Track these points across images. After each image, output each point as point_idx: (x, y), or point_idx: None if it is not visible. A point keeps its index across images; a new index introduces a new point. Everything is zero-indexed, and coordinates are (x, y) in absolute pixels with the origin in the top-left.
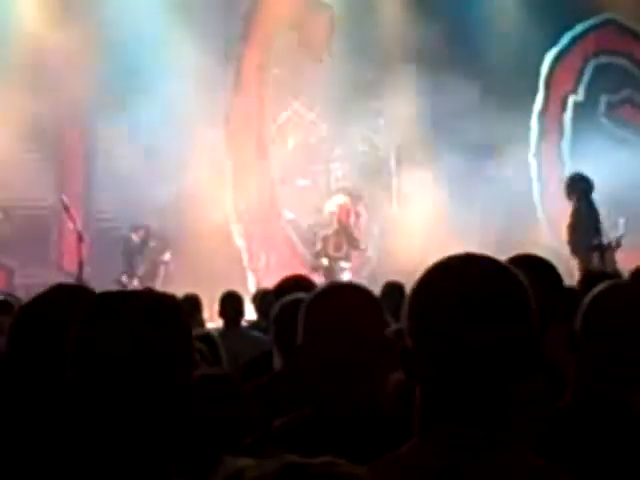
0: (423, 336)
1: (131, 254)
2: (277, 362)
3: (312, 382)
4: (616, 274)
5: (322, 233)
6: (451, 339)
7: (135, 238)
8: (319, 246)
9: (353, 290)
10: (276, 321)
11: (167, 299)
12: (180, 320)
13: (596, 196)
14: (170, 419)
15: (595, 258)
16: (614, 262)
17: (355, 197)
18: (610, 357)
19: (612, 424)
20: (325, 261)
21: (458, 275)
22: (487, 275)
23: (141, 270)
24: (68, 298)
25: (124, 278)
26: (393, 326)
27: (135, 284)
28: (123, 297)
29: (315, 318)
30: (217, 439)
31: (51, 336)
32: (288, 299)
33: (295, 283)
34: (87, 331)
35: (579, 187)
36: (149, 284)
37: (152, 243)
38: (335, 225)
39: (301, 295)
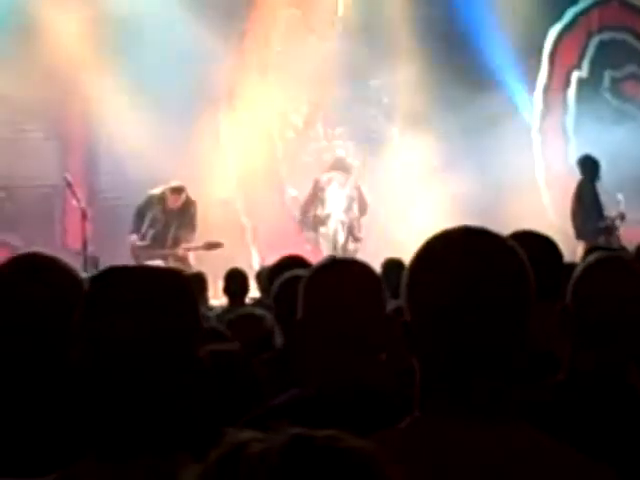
0: (422, 311)
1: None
2: (278, 339)
3: (312, 357)
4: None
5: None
6: (449, 314)
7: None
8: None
9: (353, 265)
10: (276, 298)
11: (174, 275)
12: (188, 298)
13: (601, 173)
14: (177, 396)
15: (602, 240)
16: (619, 242)
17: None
18: (601, 327)
19: (608, 395)
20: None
21: (457, 249)
22: (486, 250)
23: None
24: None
25: (134, 237)
26: (393, 303)
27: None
28: (128, 273)
29: (314, 293)
30: (225, 415)
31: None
32: (287, 275)
33: (292, 262)
34: (91, 310)
35: (585, 170)
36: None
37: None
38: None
39: (300, 272)
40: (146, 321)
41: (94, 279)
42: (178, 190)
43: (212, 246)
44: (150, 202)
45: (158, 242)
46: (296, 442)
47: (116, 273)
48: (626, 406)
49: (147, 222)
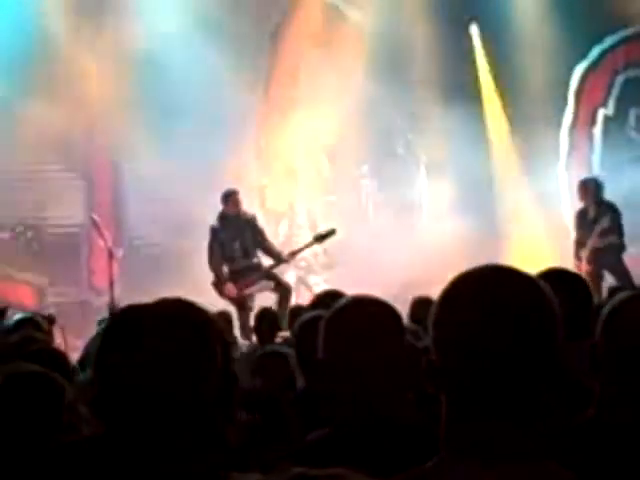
0: (449, 349)
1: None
2: (299, 380)
3: (332, 397)
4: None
5: None
6: (477, 353)
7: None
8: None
9: (372, 304)
10: (296, 339)
11: (199, 313)
12: (210, 335)
13: (625, 209)
14: (200, 437)
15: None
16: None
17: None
18: (632, 369)
19: (635, 440)
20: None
21: (484, 287)
22: (514, 288)
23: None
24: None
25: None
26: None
27: None
28: (151, 311)
29: (335, 333)
30: (251, 455)
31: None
32: (307, 316)
33: (330, 298)
34: (109, 349)
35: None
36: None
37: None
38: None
39: (321, 312)
40: (165, 363)
41: (113, 318)
42: (228, 195)
43: (324, 237)
44: (214, 233)
45: (238, 261)
46: None
47: (136, 311)
48: None
49: (222, 248)
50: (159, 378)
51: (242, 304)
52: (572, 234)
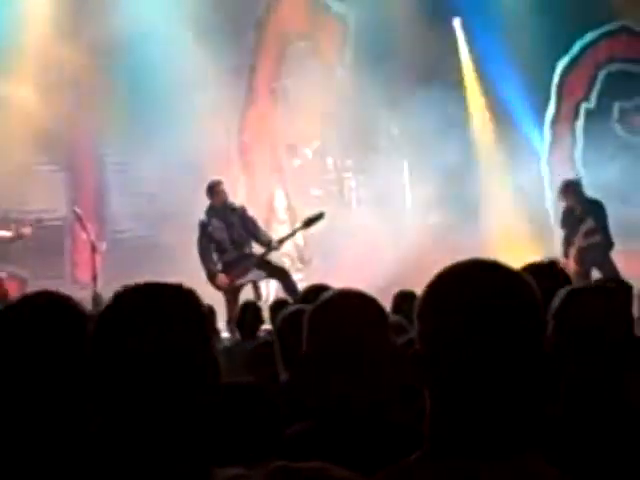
0: (433, 341)
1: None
2: (282, 374)
3: (316, 391)
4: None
5: None
6: (462, 345)
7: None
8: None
9: (357, 298)
10: (279, 332)
11: (191, 295)
12: (203, 318)
13: (609, 203)
14: (187, 423)
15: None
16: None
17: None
18: (584, 362)
19: (603, 424)
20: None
21: (468, 280)
22: (497, 281)
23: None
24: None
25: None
26: (404, 336)
27: None
28: (145, 290)
29: (319, 326)
30: (238, 449)
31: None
32: (290, 309)
33: (316, 292)
34: (105, 328)
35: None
36: None
37: None
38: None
39: (303, 305)
40: (158, 339)
41: (114, 297)
42: (211, 186)
43: (312, 221)
44: (203, 225)
45: (230, 251)
46: (278, 474)
47: (131, 292)
48: (624, 434)
49: (212, 241)
50: (155, 360)
51: (235, 295)
52: (555, 228)
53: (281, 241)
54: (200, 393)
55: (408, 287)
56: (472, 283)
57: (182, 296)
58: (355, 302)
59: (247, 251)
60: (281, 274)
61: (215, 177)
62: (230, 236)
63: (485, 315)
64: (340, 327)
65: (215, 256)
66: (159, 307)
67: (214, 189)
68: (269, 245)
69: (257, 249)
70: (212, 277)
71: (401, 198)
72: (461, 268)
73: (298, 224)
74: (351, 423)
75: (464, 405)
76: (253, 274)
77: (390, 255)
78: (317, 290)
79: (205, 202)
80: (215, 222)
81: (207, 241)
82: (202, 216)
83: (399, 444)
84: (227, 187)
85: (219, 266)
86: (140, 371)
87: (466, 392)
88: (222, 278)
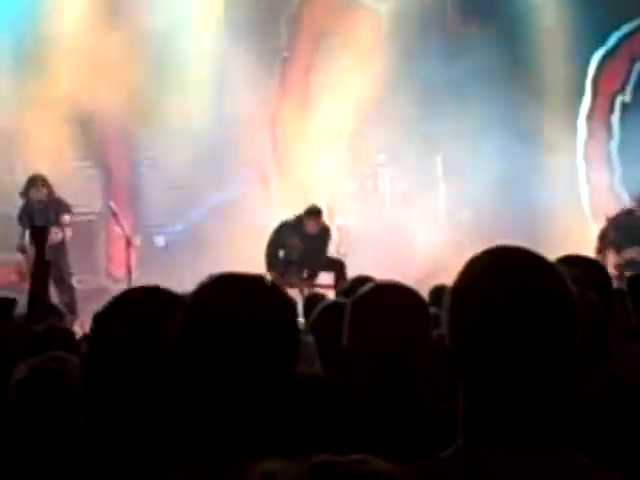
0: (464, 335)
1: None
2: (318, 368)
3: (358, 383)
4: None
5: None
6: (493, 338)
7: None
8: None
9: (398, 291)
10: (315, 326)
11: (276, 293)
12: (289, 318)
13: None
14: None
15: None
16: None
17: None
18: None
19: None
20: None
21: (499, 270)
22: (530, 270)
23: None
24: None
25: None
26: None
27: None
28: (232, 281)
29: (360, 320)
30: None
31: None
32: (325, 303)
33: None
34: (194, 314)
35: None
36: None
37: None
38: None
39: (338, 299)
40: (241, 338)
41: (199, 289)
42: (316, 213)
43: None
44: (283, 232)
45: (294, 272)
46: (320, 469)
47: (220, 285)
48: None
49: (283, 254)
50: (236, 357)
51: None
52: (591, 225)
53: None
54: (277, 382)
55: (443, 281)
56: (502, 272)
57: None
58: (395, 295)
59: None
60: (336, 266)
61: (247, 174)
62: (303, 259)
63: (516, 306)
64: (381, 320)
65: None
66: (249, 301)
67: (314, 216)
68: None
69: None
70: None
71: (434, 193)
72: (491, 257)
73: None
74: (392, 417)
75: (496, 398)
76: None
77: (424, 250)
78: (360, 282)
79: (241, 194)
80: (296, 241)
81: (278, 246)
82: (289, 219)
83: (442, 438)
84: (260, 182)
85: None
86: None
87: (498, 384)
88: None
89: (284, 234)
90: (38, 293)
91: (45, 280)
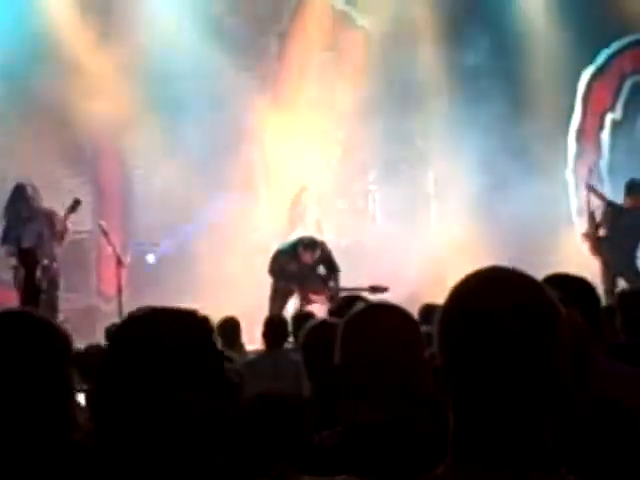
0: (453, 354)
1: None
2: (306, 387)
3: (346, 402)
4: None
5: None
6: (481, 358)
7: None
8: None
9: (390, 310)
10: (304, 345)
11: (197, 318)
12: (209, 340)
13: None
14: (199, 443)
15: None
16: None
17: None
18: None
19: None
20: None
21: (488, 289)
22: (518, 291)
23: None
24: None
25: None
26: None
27: None
28: (152, 315)
29: (352, 338)
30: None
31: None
32: (314, 322)
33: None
34: (114, 352)
35: None
36: None
37: None
38: None
39: (328, 318)
40: (167, 368)
41: (121, 324)
42: (312, 246)
43: (377, 290)
44: (280, 258)
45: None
46: None
47: (137, 319)
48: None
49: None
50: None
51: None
52: (578, 237)
53: (343, 290)
54: (210, 412)
55: (433, 300)
56: (491, 291)
57: (187, 323)
58: (387, 313)
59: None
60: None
61: (238, 191)
62: (301, 288)
63: (504, 326)
64: (373, 339)
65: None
66: (162, 336)
67: (309, 249)
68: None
69: None
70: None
71: (426, 210)
72: (480, 277)
73: (364, 287)
74: (382, 435)
75: (485, 417)
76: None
77: (416, 267)
78: (350, 302)
79: (232, 212)
80: (293, 269)
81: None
82: (284, 252)
83: (430, 456)
84: (251, 197)
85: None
86: (144, 394)
87: (487, 403)
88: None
89: (281, 261)
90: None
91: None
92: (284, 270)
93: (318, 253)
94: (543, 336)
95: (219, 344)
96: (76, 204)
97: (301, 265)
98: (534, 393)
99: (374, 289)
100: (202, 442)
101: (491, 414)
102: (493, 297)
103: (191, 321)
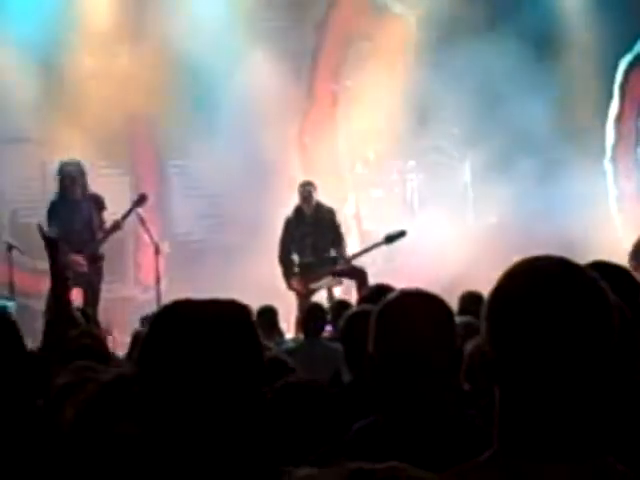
0: (502, 342)
1: None
2: (346, 375)
3: (382, 391)
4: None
5: None
6: (532, 349)
7: None
8: None
9: (423, 297)
10: (343, 333)
11: (237, 308)
12: (250, 330)
13: None
14: (238, 430)
15: None
16: None
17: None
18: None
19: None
20: None
21: (540, 277)
22: (570, 282)
23: None
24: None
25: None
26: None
27: None
28: (192, 305)
29: (384, 326)
30: (298, 448)
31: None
32: (354, 310)
33: (380, 293)
34: (154, 340)
35: None
36: None
37: None
38: None
39: (367, 306)
40: (207, 356)
41: (158, 314)
42: (302, 185)
43: (393, 238)
44: (288, 225)
45: (309, 255)
46: (359, 476)
47: (177, 309)
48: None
49: (294, 241)
50: (203, 377)
51: (307, 298)
52: (618, 226)
53: (356, 255)
54: (248, 402)
55: (472, 287)
56: (544, 280)
57: (229, 315)
58: (421, 302)
59: (326, 256)
60: (359, 275)
61: (275, 181)
62: (313, 243)
63: (558, 315)
64: (406, 327)
65: (295, 257)
66: (205, 327)
67: (299, 190)
68: (343, 258)
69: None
70: (287, 278)
71: (463, 198)
72: (531, 266)
73: (380, 240)
74: (416, 423)
75: (535, 407)
76: (326, 281)
77: (453, 255)
78: (381, 291)
79: (269, 202)
80: (301, 223)
81: (290, 241)
82: (290, 214)
83: (462, 442)
84: (289, 188)
85: (296, 269)
86: (186, 386)
87: (538, 394)
88: (296, 281)
89: (290, 227)
90: (58, 311)
91: (66, 294)
92: (293, 236)
93: (315, 197)
94: (595, 326)
95: (259, 333)
96: (142, 199)
97: (308, 224)
98: (586, 384)
99: (390, 238)
100: (238, 432)
101: (541, 405)
102: (543, 287)
103: (231, 310)
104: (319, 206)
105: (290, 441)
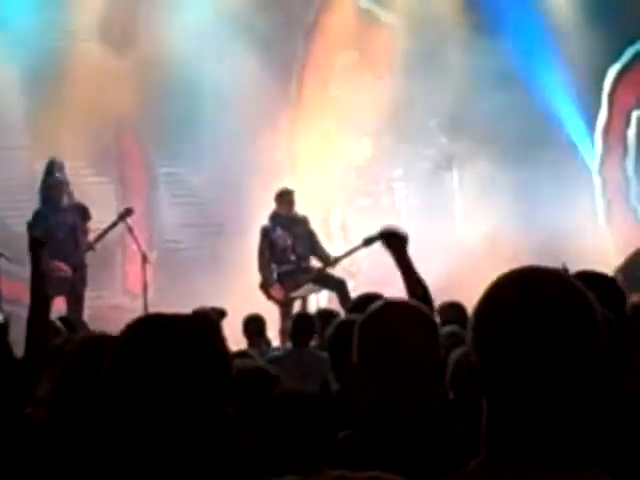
0: (488, 353)
1: None
2: (332, 384)
3: (365, 400)
4: None
5: None
6: (520, 355)
7: None
8: None
9: (407, 309)
10: (330, 343)
11: (201, 323)
12: (212, 346)
13: None
14: (204, 446)
15: None
16: None
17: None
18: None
19: None
20: None
21: (526, 289)
22: (554, 292)
23: None
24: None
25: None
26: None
27: None
28: (156, 320)
29: (367, 336)
30: (287, 458)
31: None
32: (340, 319)
33: (367, 302)
34: (120, 354)
35: None
36: None
37: None
38: None
39: (353, 316)
40: (169, 374)
41: (124, 330)
42: (283, 194)
43: (372, 240)
44: (265, 231)
45: (289, 262)
46: None
47: (141, 325)
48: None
49: (273, 249)
50: (165, 395)
51: (288, 307)
52: (609, 243)
53: (337, 259)
54: (206, 419)
55: (459, 297)
56: (530, 291)
57: (190, 330)
58: (405, 312)
59: (304, 265)
60: (339, 286)
61: (263, 188)
62: (293, 247)
63: (543, 325)
64: (390, 338)
65: (273, 265)
66: (163, 342)
67: (284, 198)
68: (326, 262)
69: (314, 262)
70: (266, 287)
71: (450, 207)
72: (517, 277)
73: (359, 243)
74: (397, 432)
75: (522, 417)
76: (306, 288)
77: (440, 265)
78: (367, 300)
79: (258, 210)
80: (279, 230)
81: (268, 248)
82: (266, 222)
83: (444, 451)
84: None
85: (275, 276)
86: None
87: (524, 405)
88: (276, 289)
89: (267, 233)
90: (38, 314)
91: (45, 298)
92: (270, 240)
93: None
94: (580, 337)
95: (224, 348)
96: (127, 213)
97: (285, 226)
98: (572, 394)
99: (367, 241)
100: (203, 445)
101: (527, 415)
102: (529, 298)
103: (194, 326)
104: (295, 214)
105: (278, 451)
